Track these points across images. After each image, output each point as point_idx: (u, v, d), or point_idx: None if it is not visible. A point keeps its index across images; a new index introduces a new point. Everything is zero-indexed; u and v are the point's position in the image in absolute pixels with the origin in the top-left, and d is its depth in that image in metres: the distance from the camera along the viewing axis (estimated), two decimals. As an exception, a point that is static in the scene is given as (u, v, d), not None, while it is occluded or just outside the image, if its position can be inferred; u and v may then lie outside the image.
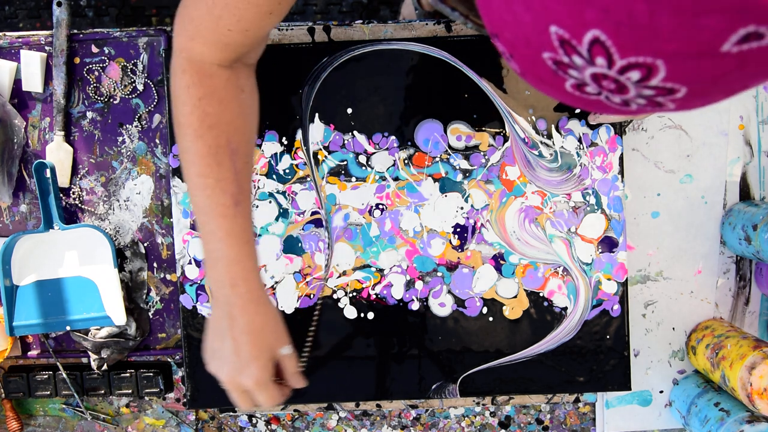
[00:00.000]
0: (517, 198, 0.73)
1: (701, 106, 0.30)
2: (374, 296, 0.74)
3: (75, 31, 0.75)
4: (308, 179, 0.73)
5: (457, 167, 0.73)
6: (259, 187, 0.73)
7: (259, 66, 0.73)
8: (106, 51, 0.75)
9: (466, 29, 0.74)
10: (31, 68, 0.74)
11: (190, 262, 0.73)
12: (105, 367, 0.75)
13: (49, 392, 0.75)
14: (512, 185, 0.73)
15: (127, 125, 0.75)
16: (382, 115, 0.72)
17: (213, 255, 0.55)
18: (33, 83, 0.74)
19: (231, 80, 0.55)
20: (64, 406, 0.78)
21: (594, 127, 0.72)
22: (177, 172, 0.73)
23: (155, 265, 0.77)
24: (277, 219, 0.73)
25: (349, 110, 0.72)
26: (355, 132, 0.73)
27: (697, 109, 0.30)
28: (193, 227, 0.73)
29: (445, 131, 0.72)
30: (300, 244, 0.73)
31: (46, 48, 0.74)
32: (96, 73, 0.75)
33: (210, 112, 0.53)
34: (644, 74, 0.27)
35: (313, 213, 0.73)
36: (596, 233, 0.73)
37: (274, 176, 0.73)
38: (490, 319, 0.73)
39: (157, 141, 0.75)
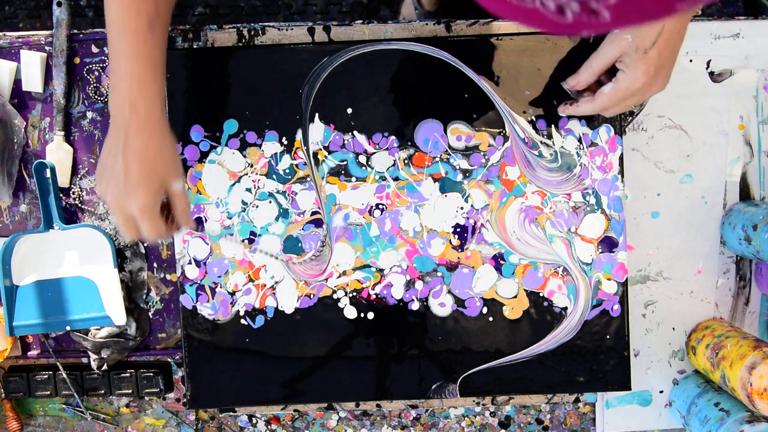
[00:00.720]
0: (517, 198, 0.73)
1: (637, 19, 0.29)
2: (374, 296, 0.74)
3: (75, 31, 0.75)
4: (308, 179, 0.73)
5: (457, 167, 0.73)
6: (259, 187, 0.73)
7: (259, 66, 0.73)
8: (106, 51, 0.75)
9: (466, 29, 0.74)
10: (31, 68, 0.74)
11: (190, 262, 0.73)
12: (105, 367, 0.75)
13: (49, 392, 0.75)
14: (512, 185, 0.73)
15: (127, 125, 0.75)
16: (382, 115, 0.72)
17: (118, 73, 0.55)
18: (33, 83, 0.74)
19: None
20: (64, 406, 0.78)
21: (594, 126, 0.72)
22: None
23: (155, 265, 0.77)
24: (277, 219, 0.73)
25: (349, 110, 0.72)
26: (355, 132, 0.73)
27: (634, 26, 0.29)
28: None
29: (445, 131, 0.72)
30: (300, 244, 0.73)
31: (46, 48, 0.74)
32: (96, 73, 0.75)
33: None
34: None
35: (313, 213, 0.73)
36: (596, 233, 0.73)
37: (274, 176, 0.73)
38: (490, 319, 0.73)
39: (157, 141, 0.75)
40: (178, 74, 0.72)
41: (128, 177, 0.54)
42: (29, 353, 0.78)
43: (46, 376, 0.75)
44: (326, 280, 0.73)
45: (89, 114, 0.75)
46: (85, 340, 0.74)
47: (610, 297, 0.73)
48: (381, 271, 0.73)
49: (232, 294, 0.73)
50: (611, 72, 0.65)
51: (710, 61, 0.74)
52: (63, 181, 0.75)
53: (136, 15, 0.54)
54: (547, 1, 0.28)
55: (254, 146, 0.73)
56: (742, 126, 0.75)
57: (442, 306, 0.74)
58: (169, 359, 0.78)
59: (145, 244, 0.76)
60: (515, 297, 0.73)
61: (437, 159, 0.73)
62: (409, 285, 0.73)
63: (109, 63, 0.56)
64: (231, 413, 0.78)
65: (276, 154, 0.73)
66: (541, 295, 0.73)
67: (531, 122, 0.72)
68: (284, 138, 0.73)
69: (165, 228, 0.58)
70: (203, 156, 0.73)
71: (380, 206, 0.73)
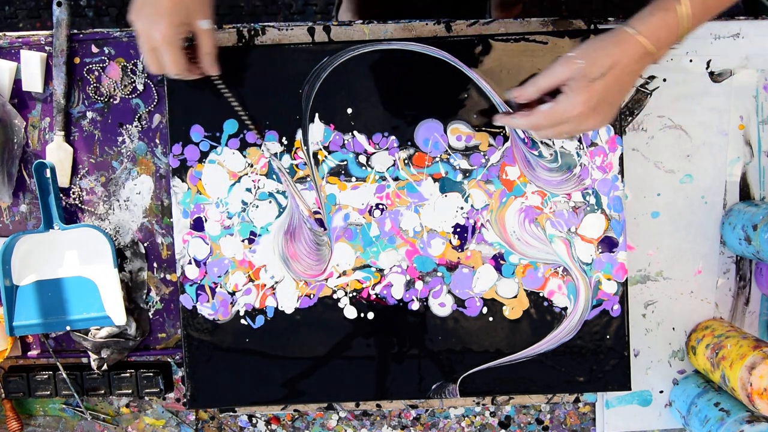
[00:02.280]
0: (517, 198, 0.73)
1: None
2: (374, 296, 0.74)
3: (75, 31, 0.75)
4: (308, 179, 0.73)
5: (457, 167, 0.73)
6: (259, 187, 0.73)
7: (259, 66, 0.73)
8: (106, 51, 0.75)
9: (466, 29, 0.74)
10: (31, 68, 0.74)
11: (190, 262, 0.73)
12: (105, 367, 0.75)
13: (49, 392, 0.75)
14: (512, 185, 0.73)
15: (127, 125, 0.75)
16: (382, 115, 0.72)
17: None
18: (33, 83, 0.74)
19: None
20: (64, 406, 0.78)
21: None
22: (177, 172, 0.73)
23: (155, 265, 0.77)
24: (277, 218, 0.73)
25: (349, 110, 0.72)
26: (355, 132, 0.73)
27: None
28: (193, 227, 0.73)
29: (445, 131, 0.72)
30: (300, 244, 0.73)
31: (46, 48, 0.74)
32: (96, 73, 0.75)
33: None
34: None
35: (314, 213, 0.73)
36: (596, 233, 0.73)
37: (274, 176, 0.73)
38: (490, 319, 0.73)
39: (157, 141, 0.75)
40: (178, 74, 0.72)
41: (157, 6, 0.59)
42: (29, 353, 0.78)
43: (46, 376, 0.75)
44: (326, 280, 0.73)
45: (89, 114, 0.75)
46: (85, 340, 0.74)
47: (610, 297, 0.73)
48: (381, 271, 0.73)
49: (232, 294, 0.73)
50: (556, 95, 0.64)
51: (710, 61, 0.74)
52: (63, 181, 0.75)
53: None
54: None
55: (254, 146, 0.73)
56: (742, 126, 0.75)
57: (442, 306, 0.74)
58: (169, 359, 0.78)
59: (145, 244, 0.76)
60: (515, 297, 0.73)
61: (437, 159, 0.73)
62: (409, 285, 0.73)
63: None
64: (231, 413, 0.78)
65: (276, 154, 0.73)
66: (541, 295, 0.73)
67: (531, 122, 0.72)
68: (284, 138, 0.73)
69: (187, 65, 0.62)
70: (203, 156, 0.73)
71: (380, 206, 0.73)
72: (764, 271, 0.75)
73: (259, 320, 0.74)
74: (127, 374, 0.75)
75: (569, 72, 0.61)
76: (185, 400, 0.75)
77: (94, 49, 0.75)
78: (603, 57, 0.60)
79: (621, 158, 0.73)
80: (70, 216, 0.76)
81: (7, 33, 0.75)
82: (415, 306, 0.74)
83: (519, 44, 0.72)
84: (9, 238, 0.72)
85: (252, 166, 0.73)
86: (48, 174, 0.72)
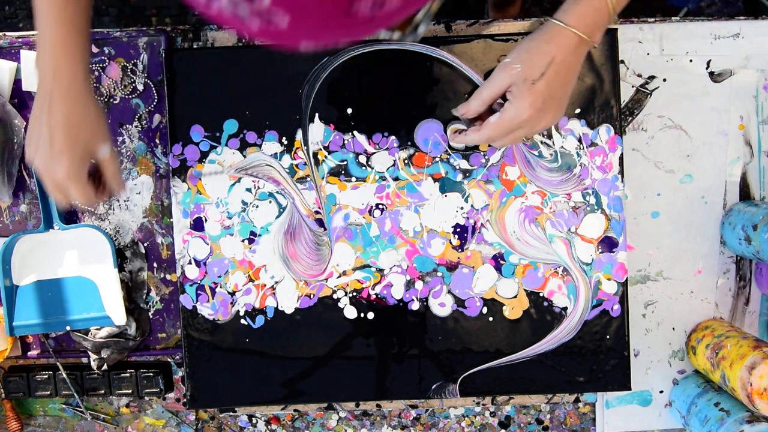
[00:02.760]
0: (517, 198, 0.73)
1: (310, 38, 0.30)
2: (374, 296, 0.74)
3: (75, 31, 0.75)
4: (308, 179, 0.73)
5: (457, 167, 0.73)
6: (259, 187, 0.73)
7: (259, 66, 0.73)
8: (106, 51, 0.75)
9: (466, 29, 0.74)
10: (31, 68, 0.74)
11: (190, 262, 0.73)
12: (105, 367, 0.75)
13: (49, 392, 0.75)
14: (512, 185, 0.73)
15: (127, 125, 0.75)
16: (382, 115, 0.72)
17: (41, 40, 0.56)
18: (33, 83, 0.74)
19: None
20: (64, 406, 0.78)
21: (594, 126, 0.72)
22: (177, 172, 0.73)
23: (155, 265, 0.77)
24: (277, 218, 0.73)
25: (349, 110, 0.72)
26: (355, 132, 0.73)
27: (314, 38, 0.30)
28: (193, 227, 0.73)
29: (445, 131, 0.72)
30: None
31: (46, 48, 0.74)
32: (96, 73, 0.75)
33: None
34: None
35: (314, 213, 0.73)
36: (596, 233, 0.73)
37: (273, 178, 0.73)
38: (490, 319, 0.73)
39: (157, 141, 0.75)
40: (179, 74, 0.72)
41: (53, 144, 0.55)
42: (29, 353, 0.78)
43: (46, 376, 0.75)
44: (326, 280, 0.73)
45: (89, 114, 0.75)
46: (85, 340, 0.74)
47: (610, 297, 0.73)
48: (381, 271, 0.73)
49: (232, 294, 0.73)
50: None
51: (710, 61, 0.74)
52: (63, 181, 0.75)
53: None
54: (242, 10, 0.29)
55: (254, 146, 0.73)
56: (742, 126, 0.75)
57: (442, 306, 0.73)
58: (169, 359, 0.78)
59: (145, 244, 0.76)
60: (515, 297, 0.73)
61: (437, 159, 0.73)
62: (409, 285, 0.73)
63: (36, 31, 0.56)
64: (231, 413, 0.78)
65: (276, 154, 0.73)
66: (541, 295, 0.73)
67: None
68: (284, 138, 0.73)
69: (94, 193, 0.59)
70: (203, 156, 0.73)
71: (380, 206, 0.73)
72: (764, 271, 0.75)
73: (259, 320, 0.74)
74: (127, 374, 0.75)
75: (509, 78, 0.60)
76: (185, 400, 0.75)
77: (94, 49, 0.75)
78: (538, 57, 0.59)
79: (621, 158, 0.73)
80: (70, 216, 0.76)
81: (7, 33, 0.75)
82: (415, 306, 0.73)
83: (519, 44, 0.72)
84: (9, 238, 0.72)
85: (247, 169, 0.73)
86: (48, 174, 0.72)
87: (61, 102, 0.55)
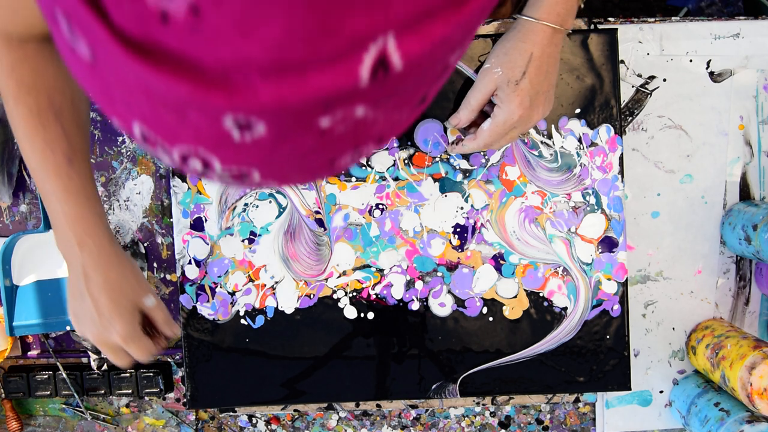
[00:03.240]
0: (517, 198, 0.73)
1: (281, 181, 0.29)
2: (374, 296, 0.74)
3: (75, 31, 0.74)
4: (308, 179, 0.73)
5: (457, 167, 0.73)
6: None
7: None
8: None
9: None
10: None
11: (190, 262, 0.73)
12: (105, 367, 0.75)
13: (49, 392, 0.75)
14: (512, 185, 0.73)
15: (127, 125, 0.75)
16: (382, 115, 0.72)
17: (55, 216, 0.55)
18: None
19: (40, 48, 0.55)
20: (64, 406, 0.78)
21: (594, 126, 0.72)
22: (177, 172, 0.73)
23: (155, 265, 0.77)
24: (277, 218, 0.73)
25: (349, 110, 0.72)
26: (355, 132, 0.73)
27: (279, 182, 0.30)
28: (193, 227, 0.73)
29: (445, 131, 0.72)
30: (300, 244, 0.73)
31: (46, 48, 0.74)
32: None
33: (25, 76, 0.53)
34: (203, 166, 0.26)
35: (314, 213, 0.73)
36: (596, 233, 0.73)
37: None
38: (490, 319, 0.73)
39: (157, 141, 0.75)
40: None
41: (100, 312, 0.54)
42: (29, 353, 0.78)
43: (46, 376, 0.75)
44: (326, 280, 0.73)
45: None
46: (85, 340, 0.74)
47: (610, 297, 0.73)
48: (381, 271, 0.73)
49: (232, 294, 0.73)
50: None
51: (710, 61, 0.74)
52: (63, 181, 0.75)
53: (52, 154, 0.54)
54: (210, 174, 0.28)
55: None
56: (742, 126, 0.75)
57: (442, 306, 0.73)
58: (169, 359, 0.78)
59: (145, 244, 0.76)
60: (515, 297, 0.73)
61: (437, 159, 0.73)
62: (409, 285, 0.73)
63: (45, 206, 0.56)
64: (231, 413, 0.78)
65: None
66: (541, 295, 0.73)
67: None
68: (284, 138, 0.73)
69: (153, 345, 0.57)
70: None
71: (380, 206, 0.73)
72: (764, 271, 0.75)
73: (259, 320, 0.74)
74: (127, 374, 0.75)
75: (493, 83, 0.61)
76: (185, 400, 0.75)
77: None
78: (517, 57, 0.59)
79: (621, 158, 0.73)
80: (70, 216, 0.76)
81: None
82: (415, 306, 0.73)
83: (519, 44, 0.72)
84: (9, 238, 0.72)
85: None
86: (48, 174, 0.72)
87: (94, 269, 0.54)
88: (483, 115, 0.65)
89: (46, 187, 0.54)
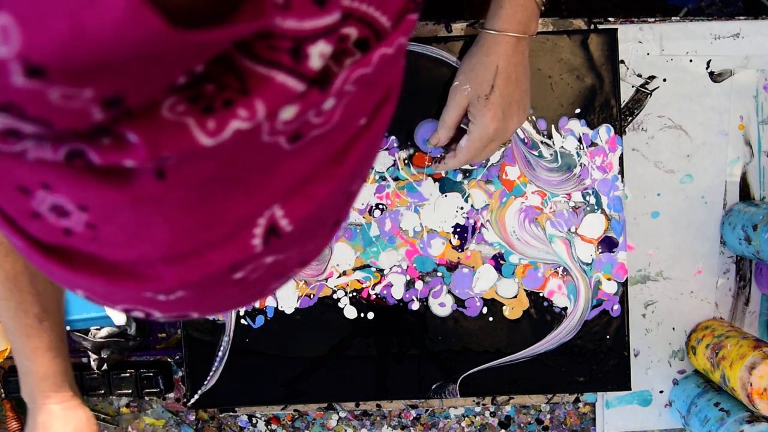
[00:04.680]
0: (517, 198, 0.73)
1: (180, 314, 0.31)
2: (374, 296, 0.74)
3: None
4: (308, 179, 0.73)
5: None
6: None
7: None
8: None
9: (466, 29, 0.74)
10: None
11: (190, 262, 0.73)
12: (105, 367, 0.75)
13: (49, 392, 0.75)
14: (512, 185, 0.73)
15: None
16: (382, 115, 0.72)
17: (24, 370, 0.60)
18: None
19: None
20: (64, 406, 0.78)
21: (594, 126, 0.72)
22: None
23: (155, 265, 0.77)
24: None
25: (349, 110, 0.72)
26: (355, 132, 0.73)
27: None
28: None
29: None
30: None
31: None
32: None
33: (3, 242, 0.56)
34: (146, 315, 0.28)
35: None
36: (596, 233, 0.73)
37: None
38: (490, 319, 0.73)
39: (157, 141, 0.75)
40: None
41: None
42: (29, 353, 0.78)
43: (46, 376, 0.75)
44: (326, 280, 0.73)
45: (89, 114, 0.75)
46: (85, 340, 0.74)
47: (610, 297, 0.73)
48: (381, 271, 0.73)
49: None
50: None
51: (710, 61, 0.74)
52: (63, 181, 0.75)
53: (24, 315, 0.58)
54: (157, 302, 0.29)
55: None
56: (742, 126, 0.75)
57: (442, 306, 0.73)
58: (169, 359, 0.78)
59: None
60: (515, 297, 0.73)
61: (437, 159, 0.73)
62: (409, 285, 0.73)
63: (15, 359, 0.62)
64: (231, 413, 0.78)
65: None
66: (541, 295, 0.73)
67: (531, 122, 0.72)
68: (284, 138, 0.73)
69: None
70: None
71: (380, 206, 0.73)
72: (764, 271, 0.75)
73: (259, 320, 0.74)
74: (127, 374, 0.75)
75: (464, 100, 0.61)
76: (185, 400, 0.75)
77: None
78: (483, 71, 0.60)
79: (621, 158, 0.73)
80: (70, 216, 0.76)
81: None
82: (415, 306, 0.73)
83: (519, 44, 0.72)
84: (9, 238, 0.72)
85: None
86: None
87: (54, 422, 0.60)
88: (462, 130, 0.65)
89: (17, 345, 0.59)
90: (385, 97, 0.26)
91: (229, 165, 0.21)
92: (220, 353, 0.74)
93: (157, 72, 0.17)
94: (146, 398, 0.78)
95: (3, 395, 0.76)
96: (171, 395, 0.78)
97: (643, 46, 0.74)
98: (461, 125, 0.65)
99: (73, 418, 0.61)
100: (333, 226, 0.29)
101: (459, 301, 0.73)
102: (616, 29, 0.72)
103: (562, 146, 0.72)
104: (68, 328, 0.74)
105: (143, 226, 0.21)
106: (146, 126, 0.19)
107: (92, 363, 0.75)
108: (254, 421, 0.79)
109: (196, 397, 0.74)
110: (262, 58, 0.20)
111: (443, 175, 0.73)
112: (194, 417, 0.79)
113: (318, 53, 0.20)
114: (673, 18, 0.74)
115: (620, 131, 0.73)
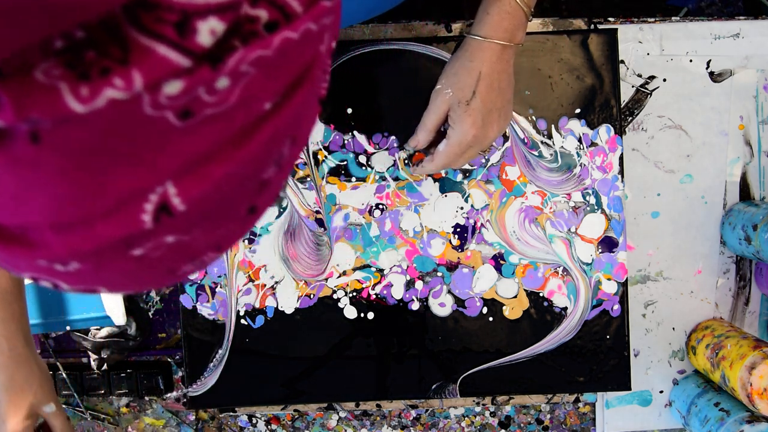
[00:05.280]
0: (517, 198, 0.73)
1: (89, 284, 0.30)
2: (374, 296, 0.74)
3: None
4: (308, 179, 0.73)
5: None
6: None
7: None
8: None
9: (466, 29, 0.74)
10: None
11: (190, 262, 0.73)
12: (105, 367, 0.75)
13: (49, 392, 0.75)
14: (512, 185, 0.73)
15: (127, 125, 0.75)
16: (382, 115, 0.72)
17: None
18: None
19: None
20: (64, 405, 0.78)
21: (594, 126, 0.72)
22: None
23: (155, 265, 0.77)
24: (277, 218, 0.73)
25: (349, 110, 0.72)
26: (355, 132, 0.73)
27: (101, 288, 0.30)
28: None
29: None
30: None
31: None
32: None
33: None
34: (54, 286, 0.27)
35: (314, 212, 0.73)
36: (596, 233, 0.73)
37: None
38: (490, 319, 0.73)
39: (157, 141, 0.75)
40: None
41: None
42: (29, 353, 0.78)
43: (46, 376, 0.75)
44: (326, 280, 0.73)
45: (89, 114, 0.75)
46: (85, 340, 0.74)
47: (610, 297, 0.73)
48: (381, 271, 0.73)
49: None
50: None
51: (710, 61, 0.74)
52: (63, 181, 0.75)
53: None
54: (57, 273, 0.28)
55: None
56: (742, 126, 0.75)
57: (442, 306, 0.74)
58: (169, 359, 0.78)
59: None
60: (515, 297, 0.73)
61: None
62: (409, 285, 0.73)
63: None
64: (231, 413, 0.78)
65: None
66: (541, 295, 0.73)
67: (531, 122, 0.72)
68: (284, 138, 0.73)
69: None
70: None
71: (380, 206, 0.73)
72: (764, 271, 0.75)
73: (259, 320, 0.74)
74: (127, 374, 0.75)
75: (445, 104, 0.60)
76: (185, 400, 0.75)
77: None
78: (465, 77, 0.59)
79: (621, 158, 0.73)
80: (70, 216, 0.76)
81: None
82: (415, 306, 0.73)
83: (519, 44, 0.72)
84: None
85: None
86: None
87: (2, 369, 0.59)
88: (442, 134, 0.64)
89: None
90: (296, 84, 0.25)
91: (107, 135, 0.20)
92: (220, 353, 0.74)
93: (20, 32, 0.17)
94: (146, 398, 0.78)
95: (3, 395, 0.76)
96: (171, 395, 0.78)
97: (643, 46, 0.74)
98: (442, 129, 0.64)
99: (24, 368, 0.60)
100: (249, 214, 0.28)
101: (459, 301, 0.73)
102: (616, 29, 0.72)
103: (562, 146, 0.72)
104: (68, 328, 0.74)
105: (24, 189, 0.21)
106: (16, 87, 0.19)
107: (92, 363, 0.75)
108: (254, 421, 0.79)
109: (195, 394, 0.74)
110: (147, 29, 0.19)
111: (443, 175, 0.73)
112: (194, 417, 0.79)
113: (208, 29, 0.20)
114: (673, 18, 0.74)
115: (620, 131, 0.73)
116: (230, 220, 0.27)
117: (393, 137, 0.73)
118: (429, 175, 0.73)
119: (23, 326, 0.61)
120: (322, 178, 0.73)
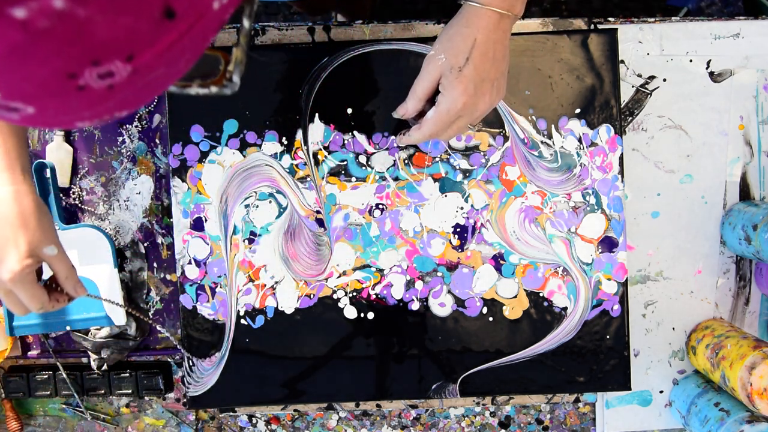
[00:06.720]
0: (517, 198, 0.73)
1: (61, 122, 0.28)
2: (374, 296, 0.74)
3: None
4: (308, 179, 0.73)
5: (457, 167, 0.73)
6: (259, 188, 0.73)
7: (259, 66, 0.73)
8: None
9: None
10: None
11: (190, 262, 0.73)
12: (105, 367, 0.75)
13: (49, 392, 0.75)
14: (512, 185, 0.73)
15: (127, 125, 0.75)
16: (382, 115, 0.72)
17: None
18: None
19: None
20: (64, 406, 0.78)
21: (594, 126, 0.72)
22: (177, 172, 0.73)
23: (155, 265, 0.77)
24: (277, 218, 0.73)
25: (349, 110, 0.72)
26: (355, 132, 0.73)
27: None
28: (193, 227, 0.73)
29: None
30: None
31: (46, 48, 0.74)
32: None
33: None
34: None
35: (315, 212, 0.73)
36: (596, 233, 0.73)
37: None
38: (490, 319, 0.73)
39: (157, 141, 0.75)
40: (178, 74, 0.72)
41: None
42: (29, 353, 0.78)
43: (46, 376, 0.75)
44: (326, 280, 0.73)
45: (89, 114, 0.75)
46: (85, 340, 0.74)
47: (610, 297, 0.73)
48: (381, 271, 0.73)
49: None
50: None
51: (710, 61, 0.75)
52: (63, 181, 0.75)
53: None
54: None
55: (254, 146, 0.73)
56: (742, 126, 0.75)
57: (442, 306, 0.74)
58: (169, 359, 0.78)
59: (145, 244, 0.76)
60: (515, 297, 0.73)
61: (437, 159, 0.73)
62: (409, 285, 0.73)
63: None
64: (231, 413, 0.78)
65: (276, 153, 0.73)
66: (541, 295, 0.73)
67: (531, 122, 0.72)
68: (284, 138, 0.73)
69: (47, 297, 0.55)
70: (203, 156, 0.73)
71: (380, 206, 0.73)
72: (764, 271, 0.75)
73: (259, 320, 0.74)
74: (127, 374, 0.75)
75: (438, 70, 0.58)
76: (185, 400, 0.75)
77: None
78: (460, 42, 0.57)
79: (621, 158, 0.73)
80: (70, 216, 0.76)
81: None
82: (415, 306, 0.73)
83: (519, 44, 0.72)
84: (9, 238, 0.72)
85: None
86: (48, 174, 0.72)
87: (3, 203, 0.54)
88: (432, 104, 0.62)
89: None
90: None
91: None
92: (220, 353, 0.74)
93: None
94: (146, 398, 0.78)
95: (3, 395, 0.76)
96: (171, 395, 0.78)
97: (643, 46, 0.74)
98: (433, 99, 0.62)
99: (23, 206, 0.54)
100: (164, 18, 0.25)
101: (459, 301, 0.73)
102: (616, 29, 0.72)
103: (562, 146, 0.72)
104: (68, 328, 0.74)
105: None
106: None
107: (92, 363, 0.75)
108: (254, 421, 0.79)
109: (195, 394, 0.74)
110: None
111: (443, 175, 0.73)
112: (194, 417, 0.79)
113: None
114: (673, 18, 0.74)
115: (620, 131, 0.73)
116: (139, 17, 0.24)
117: (393, 137, 0.73)
118: (429, 175, 0.73)
119: (21, 161, 0.55)
120: (322, 178, 0.73)
